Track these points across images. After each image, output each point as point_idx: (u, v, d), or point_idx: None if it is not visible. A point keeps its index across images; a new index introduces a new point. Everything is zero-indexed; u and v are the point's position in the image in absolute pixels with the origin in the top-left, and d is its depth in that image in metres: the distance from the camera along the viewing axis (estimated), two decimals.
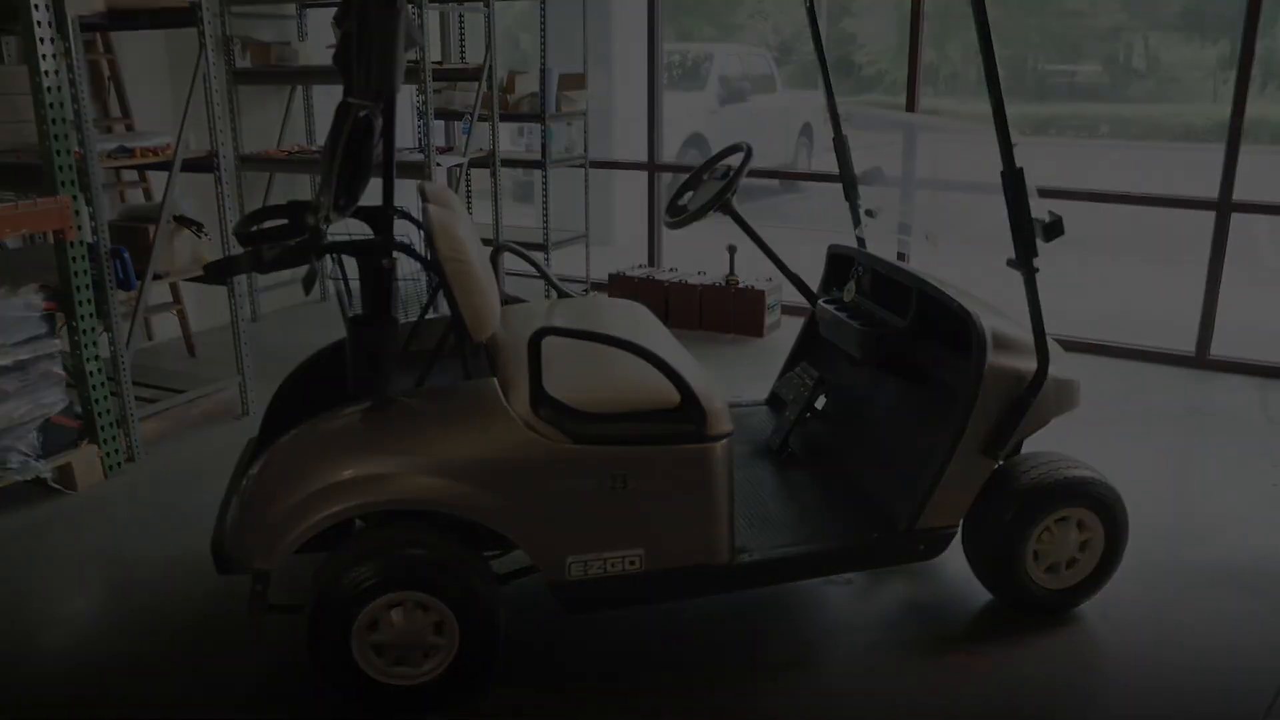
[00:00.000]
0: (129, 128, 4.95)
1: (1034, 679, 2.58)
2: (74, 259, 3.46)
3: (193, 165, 4.04)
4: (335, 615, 2.28)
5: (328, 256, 2.31)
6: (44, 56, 3.28)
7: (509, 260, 5.94)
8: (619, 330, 2.55)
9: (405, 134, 5.31)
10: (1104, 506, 2.71)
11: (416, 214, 2.63)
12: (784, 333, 5.46)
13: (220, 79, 5.05)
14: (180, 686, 2.55)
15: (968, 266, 3.49)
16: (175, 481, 3.71)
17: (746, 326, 5.47)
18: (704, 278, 5.63)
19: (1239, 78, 4.49)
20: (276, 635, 2.69)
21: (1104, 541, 2.74)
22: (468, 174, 5.87)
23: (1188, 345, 4.91)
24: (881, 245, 3.33)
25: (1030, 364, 2.60)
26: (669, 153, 7.70)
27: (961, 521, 2.71)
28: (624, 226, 7.76)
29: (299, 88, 6.07)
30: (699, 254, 6.05)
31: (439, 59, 6.39)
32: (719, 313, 5.50)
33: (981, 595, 2.85)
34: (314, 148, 5.84)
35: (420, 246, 2.49)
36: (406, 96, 5.40)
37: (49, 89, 3.31)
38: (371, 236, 2.38)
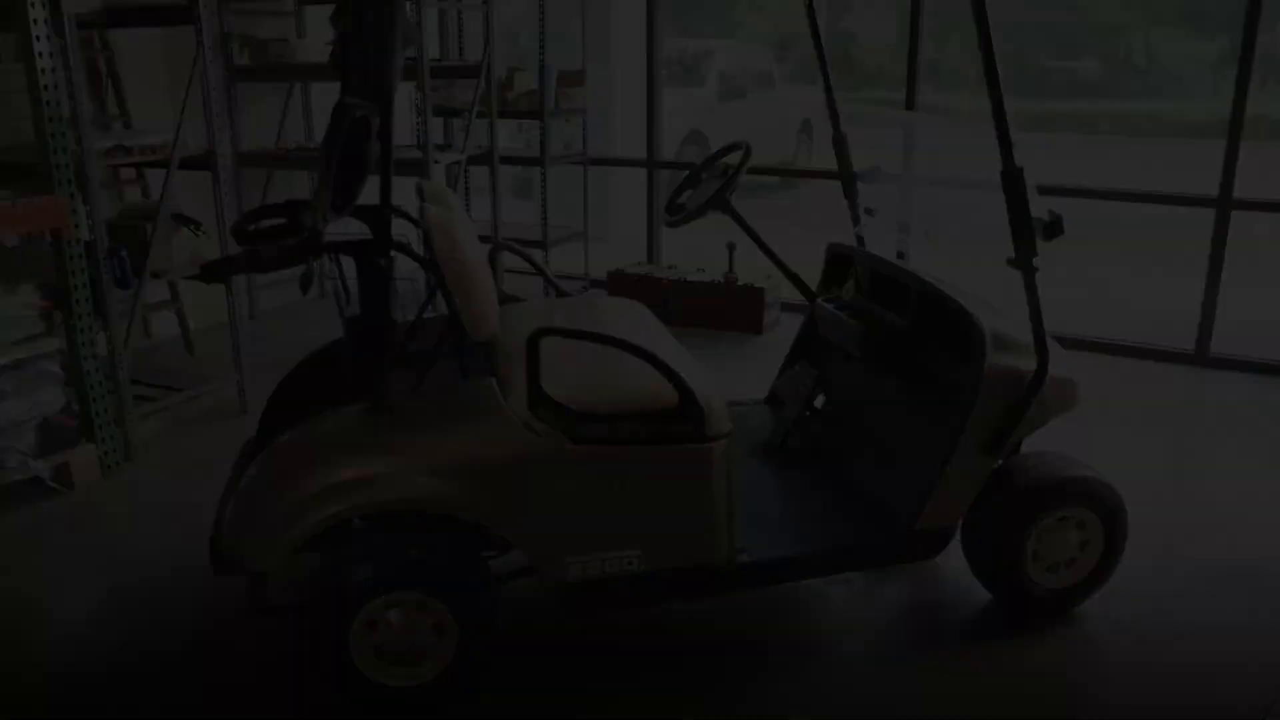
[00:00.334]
0: (126, 126, 4.94)
1: (1034, 679, 2.57)
2: (72, 258, 3.45)
3: (190, 163, 4.03)
4: (334, 616, 2.27)
5: (325, 256, 2.30)
6: (40, 54, 3.27)
7: (507, 257, 5.93)
8: (618, 330, 2.54)
9: (404, 131, 5.30)
10: (1104, 506, 2.70)
11: (414, 213, 2.62)
12: (783, 330, 5.45)
13: (218, 76, 5.03)
14: (179, 686, 2.55)
15: (960, 263, 3.48)
16: (173, 480, 3.71)
17: (746, 324, 5.46)
18: (703, 275, 5.62)
19: (1240, 74, 4.48)
20: (275, 635, 2.68)
21: (1103, 541, 2.73)
22: (466, 171, 5.86)
23: (1187, 343, 4.91)
24: (881, 245, 3.32)
25: (1030, 363, 2.60)
26: (668, 150, 7.67)
27: (961, 521, 2.71)
28: (620, 224, 7.73)
29: (297, 85, 6.06)
30: (699, 252, 6.03)
31: (438, 56, 6.37)
32: (718, 310, 5.50)
33: (981, 595, 2.84)
34: (313, 145, 5.82)
35: (418, 246, 2.48)
36: (405, 93, 5.41)
37: (46, 87, 3.29)
38: (369, 236, 2.37)
